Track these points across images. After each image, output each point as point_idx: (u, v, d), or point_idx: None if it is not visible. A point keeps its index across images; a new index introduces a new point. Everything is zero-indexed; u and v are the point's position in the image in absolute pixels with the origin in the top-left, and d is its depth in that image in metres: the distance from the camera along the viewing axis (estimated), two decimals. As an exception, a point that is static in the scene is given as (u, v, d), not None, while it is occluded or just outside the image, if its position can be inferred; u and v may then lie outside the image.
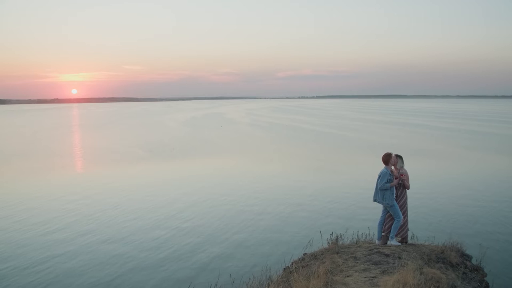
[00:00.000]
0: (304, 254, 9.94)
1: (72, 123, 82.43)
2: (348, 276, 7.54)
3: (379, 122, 67.40)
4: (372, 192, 9.72)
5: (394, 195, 9.51)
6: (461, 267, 9.46)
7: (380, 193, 9.47)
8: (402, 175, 9.64)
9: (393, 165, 9.71)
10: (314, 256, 9.30)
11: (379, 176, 9.49)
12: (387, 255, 8.74)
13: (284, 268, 9.58)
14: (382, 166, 9.57)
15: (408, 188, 9.79)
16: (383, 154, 9.63)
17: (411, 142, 38.20)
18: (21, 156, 32.78)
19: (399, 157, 9.80)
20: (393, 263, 8.29)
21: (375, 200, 9.67)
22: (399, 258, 8.55)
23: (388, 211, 9.62)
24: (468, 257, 10.23)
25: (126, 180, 22.59)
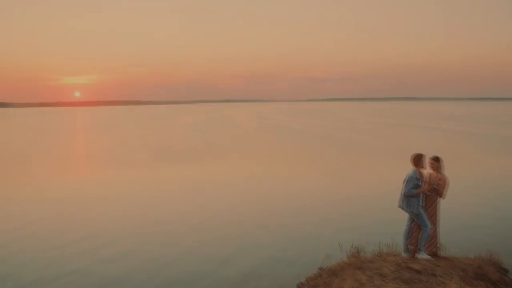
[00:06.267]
0: (320, 268, 8.78)
1: (75, 126, 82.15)
2: (375, 298, 6.39)
3: (394, 126, 65.61)
4: (395, 197, 8.56)
5: (421, 202, 8.34)
6: (501, 284, 8.38)
7: (405, 199, 8.32)
8: (438, 179, 8.40)
9: (434, 169, 8.51)
10: (333, 272, 8.14)
11: (405, 180, 8.32)
12: (418, 272, 7.60)
13: (298, 285, 8.47)
14: (404, 169, 8.38)
15: (441, 196, 8.58)
16: (413, 154, 8.42)
17: (436, 146, 36.09)
18: (25, 161, 32.14)
19: (439, 160, 8.58)
20: (427, 281, 7.17)
21: (399, 206, 8.55)
22: (434, 275, 7.40)
23: (414, 220, 8.48)
24: (505, 271, 9.19)
25: (134, 186, 21.49)
